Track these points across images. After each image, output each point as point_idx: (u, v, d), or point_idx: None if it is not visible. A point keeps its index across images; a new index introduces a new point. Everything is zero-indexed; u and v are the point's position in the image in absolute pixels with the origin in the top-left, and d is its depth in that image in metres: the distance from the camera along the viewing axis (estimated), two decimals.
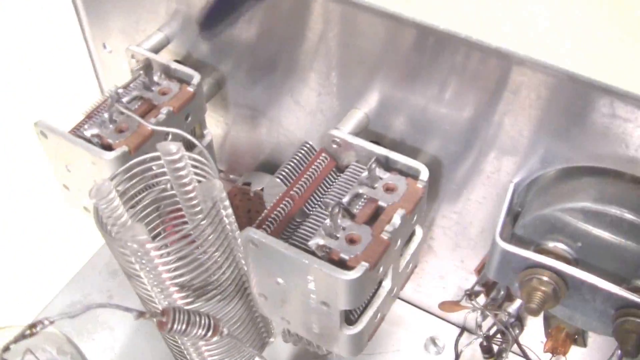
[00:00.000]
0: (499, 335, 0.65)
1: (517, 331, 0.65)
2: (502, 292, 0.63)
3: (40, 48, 0.82)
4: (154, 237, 0.62)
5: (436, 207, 0.63)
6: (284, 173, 0.56)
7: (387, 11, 0.52)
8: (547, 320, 0.61)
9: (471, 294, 0.62)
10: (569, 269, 0.51)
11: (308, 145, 0.58)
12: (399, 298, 0.76)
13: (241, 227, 0.75)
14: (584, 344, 0.61)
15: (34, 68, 0.82)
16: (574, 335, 0.61)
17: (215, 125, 0.73)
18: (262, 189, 0.70)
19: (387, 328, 0.74)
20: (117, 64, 0.74)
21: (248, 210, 0.73)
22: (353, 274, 0.48)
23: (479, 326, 0.64)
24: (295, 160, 0.57)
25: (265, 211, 0.53)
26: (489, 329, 0.65)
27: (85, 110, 0.63)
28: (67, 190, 0.65)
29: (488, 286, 0.63)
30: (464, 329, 0.70)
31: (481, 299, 0.63)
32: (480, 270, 0.62)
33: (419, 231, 0.59)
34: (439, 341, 0.73)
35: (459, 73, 0.53)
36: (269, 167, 0.72)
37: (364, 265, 0.48)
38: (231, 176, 0.76)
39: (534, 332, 0.64)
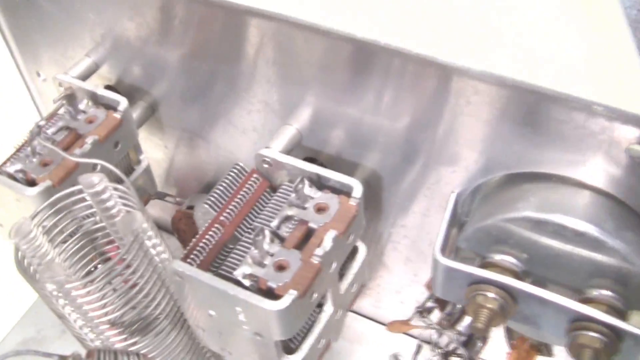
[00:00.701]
0: (459, 350, 0.63)
1: (480, 344, 0.63)
2: (457, 306, 0.60)
3: None
4: (90, 271, 0.59)
5: (382, 222, 0.60)
6: (212, 199, 0.54)
7: (318, 27, 0.50)
8: (509, 331, 0.58)
9: (422, 311, 0.60)
10: (516, 283, 0.48)
11: (238, 167, 0.56)
12: (359, 314, 0.74)
13: None
14: (550, 354, 0.59)
15: None
16: (539, 345, 0.58)
17: (154, 148, 0.70)
18: None
19: (348, 346, 0.72)
20: (54, 93, 0.72)
21: (195, 234, 0.70)
22: (280, 304, 0.45)
23: (435, 343, 0.62)
24: (224, 184, 0.55)
25: (194, 240, 0.51)
26: (447, 344, 0.62)
27: (16, 144, 0.61)
28: (2, 227, 0.63)
29: (441, 301, 0.61)
30: (420, 346, 0.67)
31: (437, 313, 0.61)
32: (430, 285, 0.60)
33: (362, 248, 0.56)
34: (402, 358, 0.71)
35: (394, 83, 0.50)
36: None
37: (292, 294, 0.46)
38: (177, 199, 0.73)
39: (498, 343, 0.61)
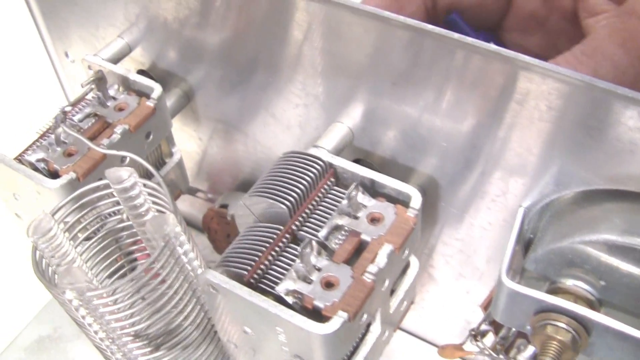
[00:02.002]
0: None
1: None
2: (513, 329, 0.55)
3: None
4: (114, 272, 0.55)
5: (436, 234, 0.55)
6: (292, 199, 0.46)
7: (375, 12, 0.44)
8: None
9: (476, 334, 0.54)
10: (592, 314, 0.42)
11: (321, 164, 0.48)
12: (399, 328, 0.68)
13: (222, 252, 0.68)
14: None
15: None
16: None
17: (188, 140, 0.65)
18: None
19: None
20: (82, 75, 0.67)
21: (227, 235, 0.65)
22: (328, 327, 0.40)
23: None
24: (305, 183, 0.47)
25: (258, 254, 0.45)
26: None
27: (40, 129, 0.56)
28: (20, 219, 0.58)
29: (497, 323, 0.55)
30: None
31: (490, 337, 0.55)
32: (487, 306, 0.54)
33: (414, 262, 0.51)
34: None
35: (457, 80, 0.45)
36: (249, 186, 0.64)
37: (341, 316, 0.40)
38: (209, 195, 0.68)
39: None
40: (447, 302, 0.61)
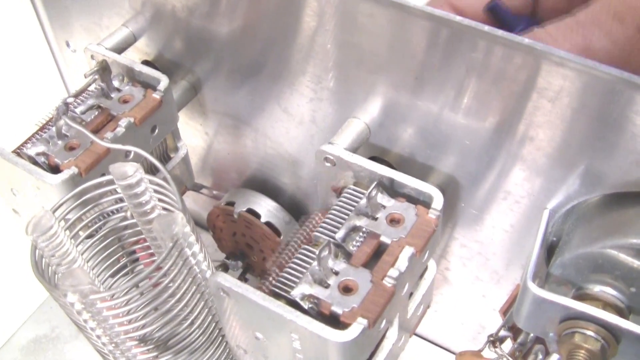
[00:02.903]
0: None
1: None
2: (531, 335, 0.53)
3: None
4: (116, 272, 0.52)
5: (454, 235, 0.52)
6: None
7: (392, 0, 0.42)
8: None
9: (495, 340, 0.52)
10: (622, 322, 0.40)
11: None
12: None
13: (227, 250, 0.65)
14: None
15: None
16: None
17: (193, 135, 0.63)
18: (247, 210, 0.60)
19: None
20: (84, 65, 0.64)
21: (233, 233, 0.63)
22: (347, 335, 0.38)
23: None
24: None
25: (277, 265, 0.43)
26: None
27: (39, 121, 0.53)
28: (18, 215, 0.56)
29: (515, 329, 0.53)
30: None
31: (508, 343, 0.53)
32: (506, 311, 0.52)
33: (432, 265, 0.49)
34: None
35: (479, 74, 0.42)
36: (257, 183, 0.62)
37: (361, 323, 0.38)
38: (214, 192, 0.66)
39: None
40: (462, 305, 0.59)
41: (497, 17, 0.48)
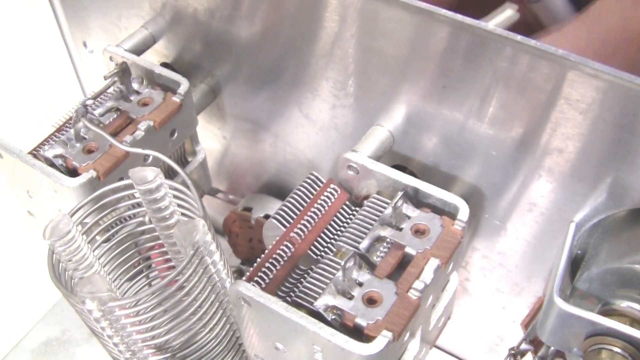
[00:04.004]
0: None
1: None
2: (551, 349, 0.52)
3: (14, 47, 0.72)
4: (133, 276, 0.51)
5: (476, 246, 0.52)
6: (282, 212, 0.45)
7: (415, 5, 0.41)
8: None
9: (516, 354, 0.51)
10: None
11: (313, 177, 0.47)
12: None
13: (242, 256, 0.64)
14: None
15: (5, 71, 0.72)
16: None
17: (211, 138, 0.62)
18: (264, 216, 0.59)
19: None
20: (101, 66, 0.63)
21: (249, 239, 0.62)
22: (372, 348, 0.37)
23: None
24: (296, 196, 0.46)
25: (259, 259, 0.42)
26: None
27: (56, 122, 0.52)
28: (33, 217, 0.55)
29: (537, 342, 0.52)
30: None
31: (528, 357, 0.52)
32: (528, 324, 0.51)
33: (454, 277, 0.48)
34: None
35: (505, 82, 0.42)
36: (274, 189, 0.61)
37: (386, 336, 0.37)
38: (231, 197, 0.65)
39: None
40: (481, 316, 0.58)
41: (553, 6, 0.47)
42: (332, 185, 0.46)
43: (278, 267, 0.42)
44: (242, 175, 0.64)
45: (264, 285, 0.41)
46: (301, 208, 0.45)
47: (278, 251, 0.43)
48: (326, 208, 0.45)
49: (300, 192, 0.46)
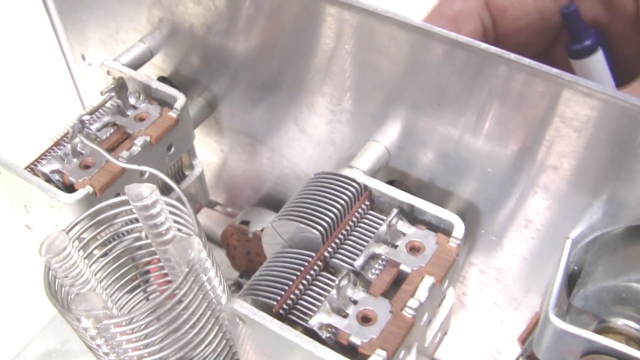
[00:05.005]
0: None
1: None
2: None
3: (12, 60, 0.72)
4: (130, 291, 0.51)
5: (472, 261, 0.52)
6: (325, 224, 0.42)
7: (410, 23, 0.41)
8: None
9: None
10: None
11: (356, 186, 0.44)
12: None
13: (240, 269, 0.65)
14: None
15: (4, 83, 0.72)
16: None
17: (209, 151, 0.62)
18: (262, 230, 0.59)
19: None
20: (99, 79, 0.64)
21: (247, 252, 0.62)
22: None
23: None
24: (339, 206, 0.43)
25: (288, 285, 0.41)
26: None
27: (54, 137, 0.53)
28: (31, 231, 0.55)
29: (534, 358, 0.52)
30: None
31: None
32: (525, 339, 0.51)
33: (450, 292, 0.48)
34: None
35: (500, 100, 0.42)
36: (272, 202, 0.62)
37: (380, 355, 0.37)
38: (229, 209, 0.65)
39: None
40: (478, 331, 0.58)
41: (569, 23, 0.47)
42: (366, 201, 0.45)
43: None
44: (240, 188, 0.64)
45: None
46: (339, 221, 0.44)
47: (310, 272, 0.42)
48: (356, 223, 0.44)
49: (344, 201, 0.44)
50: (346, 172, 0.45)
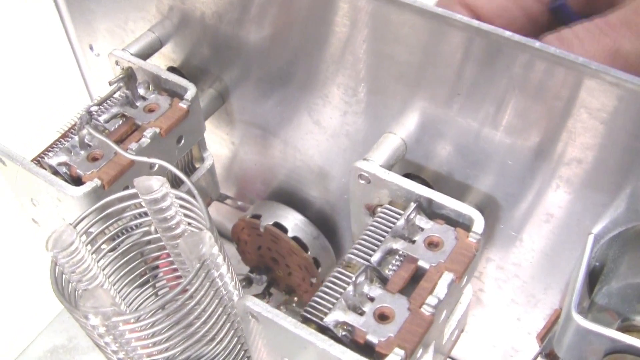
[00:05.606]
0: None
1: None
2: None
3: (20, 51, 0.71)
4: (141, 285, 0.50)
5: (490, 256, 0.50)
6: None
7: (430, 10, 0.40)
8: None
9: None
10: None
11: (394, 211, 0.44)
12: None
13: (251, 264, 0.63)
14: None
15: (8, 74, 0.71)
16: None
17: (219, 144, 0.61)
18: (274, 224, 0.58)
19: None
20: (107, 69, 0.62)
21: (258, 246, 0.61)
22: None
23: None
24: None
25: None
26: None
27: (61, 128, 0.51)
28: (37, 225, 0.54)
29: (553, 356, 0.50)
30: None
31: None
32: (544, 337, 0.49)
33: (468, 291, 0.46)
34: None
35: (521, 89, 0.40)
36: (283, 195, 0.60)
37: (398, 354, 0.36)
38: (239, 203, 0.64)
39: None
40: (495, 327, 0.56)
41: (560, 17, 0.45)
42: None
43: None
44: (251, 181, 0.62)
45: None
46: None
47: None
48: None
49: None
50: (362, 164, 0.44)
